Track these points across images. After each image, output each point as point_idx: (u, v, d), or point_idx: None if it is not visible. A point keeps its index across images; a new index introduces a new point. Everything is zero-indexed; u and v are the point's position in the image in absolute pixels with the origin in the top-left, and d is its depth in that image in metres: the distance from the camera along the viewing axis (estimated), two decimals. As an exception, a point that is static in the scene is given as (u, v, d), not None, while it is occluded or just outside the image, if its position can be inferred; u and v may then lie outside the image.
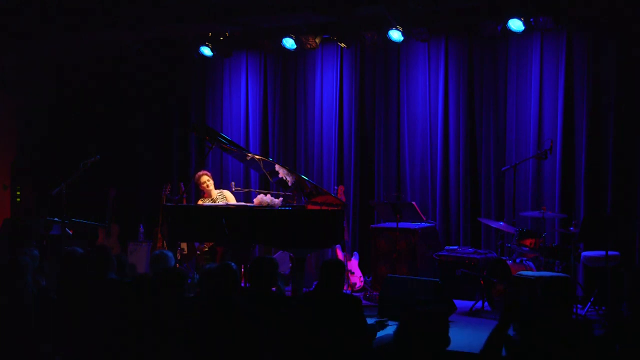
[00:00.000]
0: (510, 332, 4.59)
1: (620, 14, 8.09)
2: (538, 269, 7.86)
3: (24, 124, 11.04)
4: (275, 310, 4.93)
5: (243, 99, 10.50)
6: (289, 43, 9.41)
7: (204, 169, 9.04)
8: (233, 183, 9.30)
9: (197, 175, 8.68)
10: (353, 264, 9.07)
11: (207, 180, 8.65)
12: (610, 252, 7.41)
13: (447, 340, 3.65)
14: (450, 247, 8.82)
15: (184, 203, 9.08)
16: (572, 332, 4.02)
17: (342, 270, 5.10)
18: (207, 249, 8.72)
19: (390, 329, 5.13)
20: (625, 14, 8.05)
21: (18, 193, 10.82)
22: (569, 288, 4.66)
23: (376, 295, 8.29)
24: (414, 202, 8.65)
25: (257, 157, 8.34)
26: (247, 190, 9.46)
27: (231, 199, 8.70)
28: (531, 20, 8.25)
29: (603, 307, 7.53)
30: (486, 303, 7.84)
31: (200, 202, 8.78)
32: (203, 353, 4.59)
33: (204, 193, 8.70)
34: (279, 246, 8.51)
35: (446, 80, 9.26)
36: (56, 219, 9.04)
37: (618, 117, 8.29)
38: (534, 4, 8.21)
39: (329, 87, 9.98)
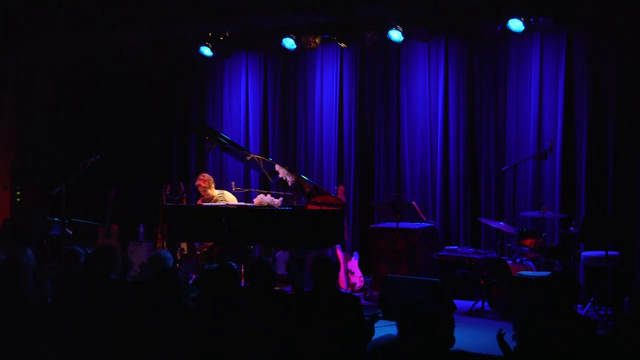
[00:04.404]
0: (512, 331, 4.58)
1: (620, 13, 8.09)
2: (538, 269, 7.86)
3: (24, 124, 11.04)
4: (275, 310, 4.93)
5: (243, 99, 10.50)
6: (289, 43, 9.40)
7: (203, 171, 9.05)
8: (233, 183, 9.30)
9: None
10: (353, 264, 9.07)
11: (200, 183, 8.65)
12: (610, 252, 7.41)
13: (452, 340, 3.66)
14: (450, 247, 8.81)
15: (184, 203, 9.09)
16: (576, 329, 4.01)
17: (331, 264, 5.09)
18: (206, 249, 8.72)
19: (389, 329, 5.14)
20: (625, 13, 8.05)
21: (18, 193, 10.82)
22: (573, 284, 4.65)
23: (376, 295, 8.29)
24: (414, 202, 8.65)
25: (257, 157, 8.34)
26: (247, 190, 9.46)
27: (232, 200, 8.70)
28: (531, 20, 8.25)
29: (603, 307, 7.52)
30: (486, 303, 7.84)
31: (199, 203, 8.79)
32: (203, 353, 4.59)
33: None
34: (279, 246, 8.52)
35: (446, 80, 9.26)
36: (56, 219, 9.05)
37: (618, 117, 8.29)
38: (534, 4, 8.21)
39: (329, 87, 9.97)
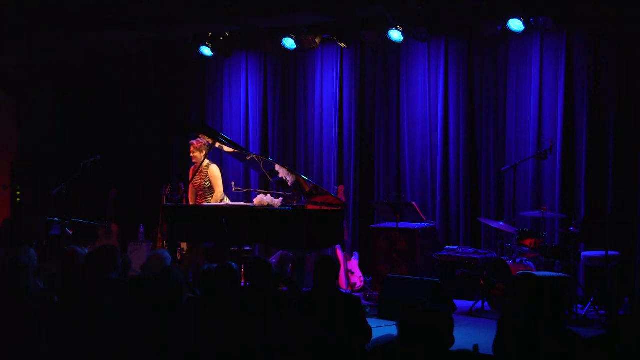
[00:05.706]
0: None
1: (620, 13, 8.08)
2: (538, 269, 7.86)
3: (24, 124, 11.04)
4: (275, 310, 4.93)
5: (243, 99, 10.50)
6: (289, 43, 9.40)
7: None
8: (233, 183, 9.30)
9: None
10: (353, 264, 9.07)
11: (193, 143, 8.50)
12: (610, 252, 7.41)
13: (452, 340, 3.66)
14: (450, 247, 8.81)
15: (184, 203, 9.08)
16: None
17: (335, 265, 5.09)
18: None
19: (389, 329, 5.14)
20: (626, 13, 8.05)
21: (18, 193, 10.82)
22: (533, 283, 4.63)
23: (376, 295, 8.29)
24: (414, 202, 8.65)
25: (257, 157, 8.34)
26: (247, 190, 9.46)
27: (214, 175, 8.55)
28: (531, 20, 8.24)
29: (603, 307, 7.52)
30: (486, 303, 7.84)
31: (191, 170, 8.67)
32: (203, 353, 4.59)
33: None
34: (279, 246, 8.51)
35: (446, 80, 9.25)
36: (56, 219, 9.04)
37: (618, 117, 8.28)
38: (534, 4, 8.21)
39: (329, 87, 9.98)
